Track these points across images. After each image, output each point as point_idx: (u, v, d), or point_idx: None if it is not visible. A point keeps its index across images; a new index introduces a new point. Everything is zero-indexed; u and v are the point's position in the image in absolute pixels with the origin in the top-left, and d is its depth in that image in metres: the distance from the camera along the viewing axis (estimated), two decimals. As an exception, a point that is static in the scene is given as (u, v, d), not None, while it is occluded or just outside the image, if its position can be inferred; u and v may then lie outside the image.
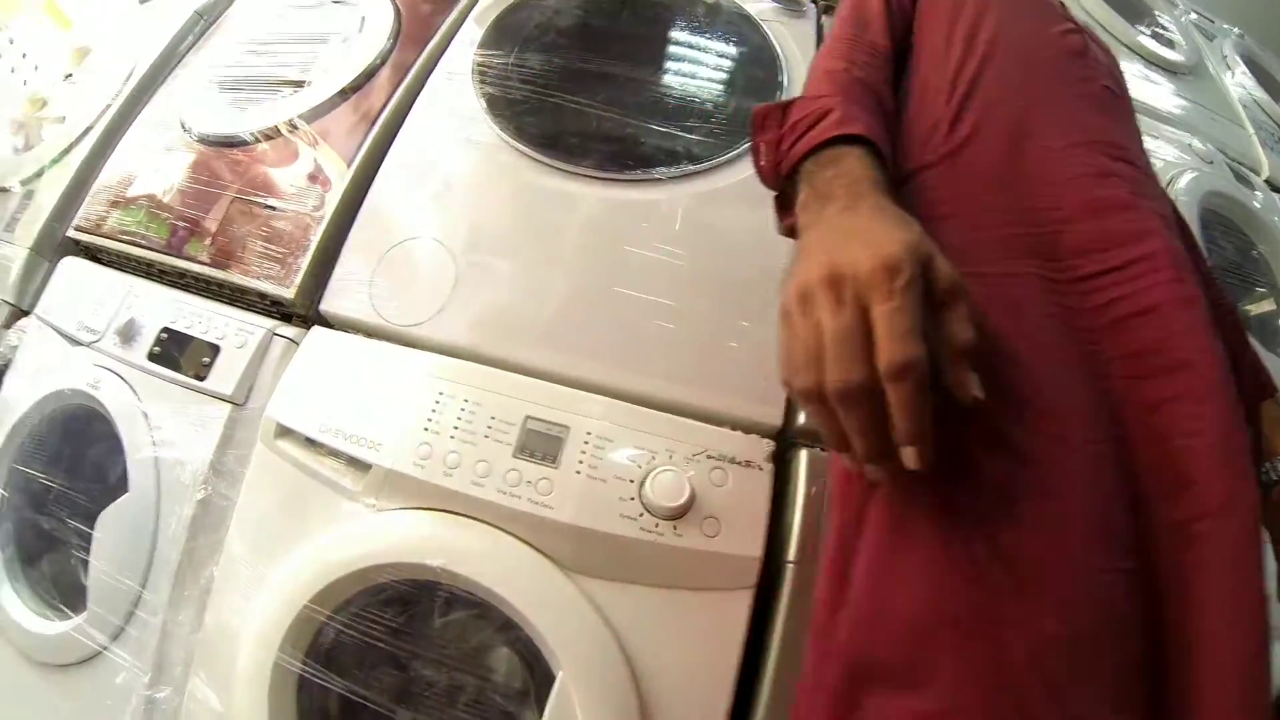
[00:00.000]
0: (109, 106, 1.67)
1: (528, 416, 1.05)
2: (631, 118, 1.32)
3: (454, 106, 1.34)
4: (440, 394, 1.08)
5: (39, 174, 1.68)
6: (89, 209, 1.54)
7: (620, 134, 1.32)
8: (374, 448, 1.06)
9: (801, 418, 1.05)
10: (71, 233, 1.54)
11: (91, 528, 1.26)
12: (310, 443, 1.12)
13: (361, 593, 1.04)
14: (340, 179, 1.29)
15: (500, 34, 1.44)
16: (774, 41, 1.46)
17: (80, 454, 1.39)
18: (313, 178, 1.31)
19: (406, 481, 1.04)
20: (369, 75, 1.41)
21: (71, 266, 1.51)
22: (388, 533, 1.04)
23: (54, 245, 1.59)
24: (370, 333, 1.19)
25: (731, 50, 1.47)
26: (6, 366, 1.51)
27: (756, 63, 1.44)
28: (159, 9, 1.87)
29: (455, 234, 1.23)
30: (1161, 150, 1.81)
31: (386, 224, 1.26)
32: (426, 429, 1.06)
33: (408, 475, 1.04)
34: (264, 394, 1.20)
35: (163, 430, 1.24)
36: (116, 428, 1.27)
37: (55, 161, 1.66)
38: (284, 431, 1.14)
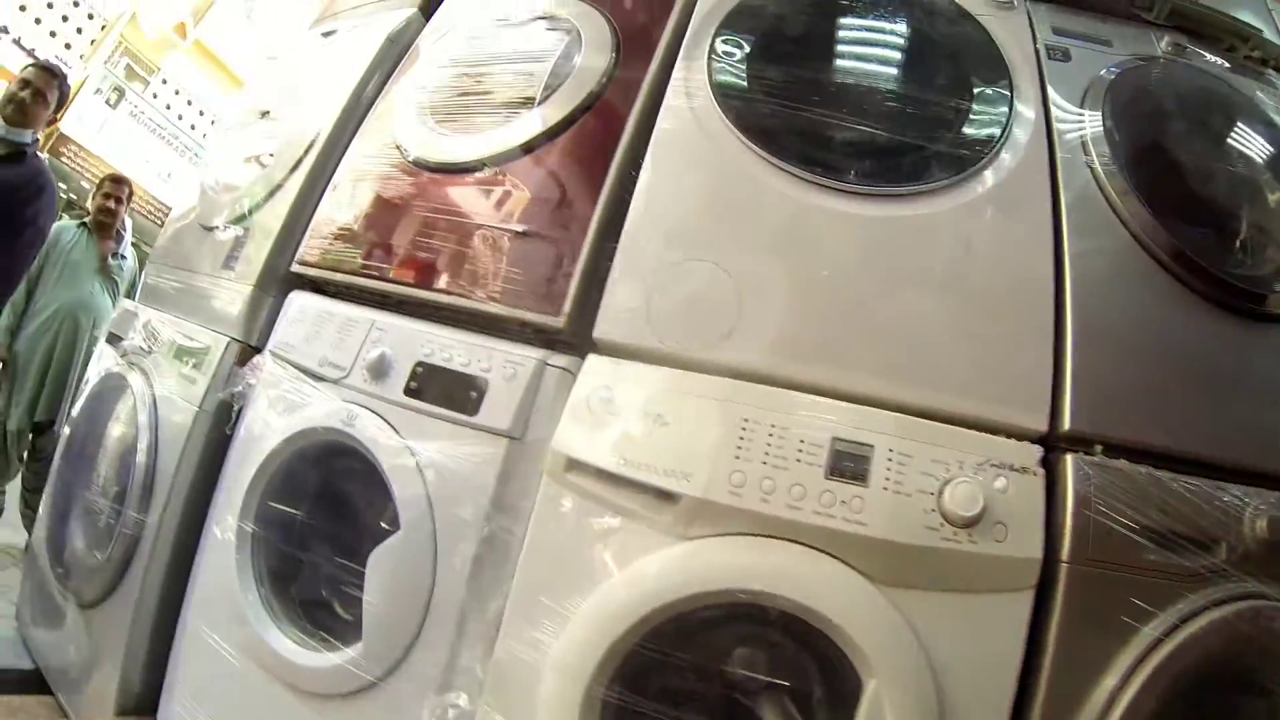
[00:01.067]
0: (314, 141, 1.64)
1: (834, 437, 1.03)
2: (879, 128, 1.26)
3: (699, 123, 1.28)
4: (745, 420, 1.05)
5: (249, 213, 1.66)
6: (312, 243, 1.52)
7: (870, 145, 1.26)
8: (684, 479, 1.03)
9: (1068, 422, 1.06)
10: (296, 267, 1.51)
11: (353, 563, 1.23)
12: (602, 474, 1.08)
13: (671, 619, 1.01)
14: (593, 202, 1.23)
15: (731, 45, 1.36)
16: (997, 41, 1.37)
17: (334, 490, 1.36)
18: (563, 202, 1.24)
19: (720, 510, 1.01)
20: (599, 93, 1.35)
21: (302, 301, 1.49)
22: (706, 561, 1.02)
23: (277, 280, 1.57)
24: (653, 359, 1.14)
25: (959, 52, 1.38)
26: (243, 405, 1.49)
27: (985, 64, 1.36)
28: (344, 41, 1.83)
29: (728, 254, 1.17)
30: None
31: (652, 247, 1.20)
32: (738, 456, 1.03)
33: (722, 504, 1.01)
34: (542, 426, 1.17)
35: (432, 466, 1.19)
36: (379, 464, 1.24)
37: (267, 199, 1.64)
38: (574, 464, 1.10)
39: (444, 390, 1.22)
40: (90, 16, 5.03)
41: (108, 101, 5.18)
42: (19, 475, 2.90)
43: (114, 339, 1.88)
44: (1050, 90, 1.34)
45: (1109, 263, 1.18)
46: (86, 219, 3.06)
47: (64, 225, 3.01)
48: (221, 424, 1.52)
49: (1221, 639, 0.98)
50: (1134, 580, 0.98)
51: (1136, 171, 1.25)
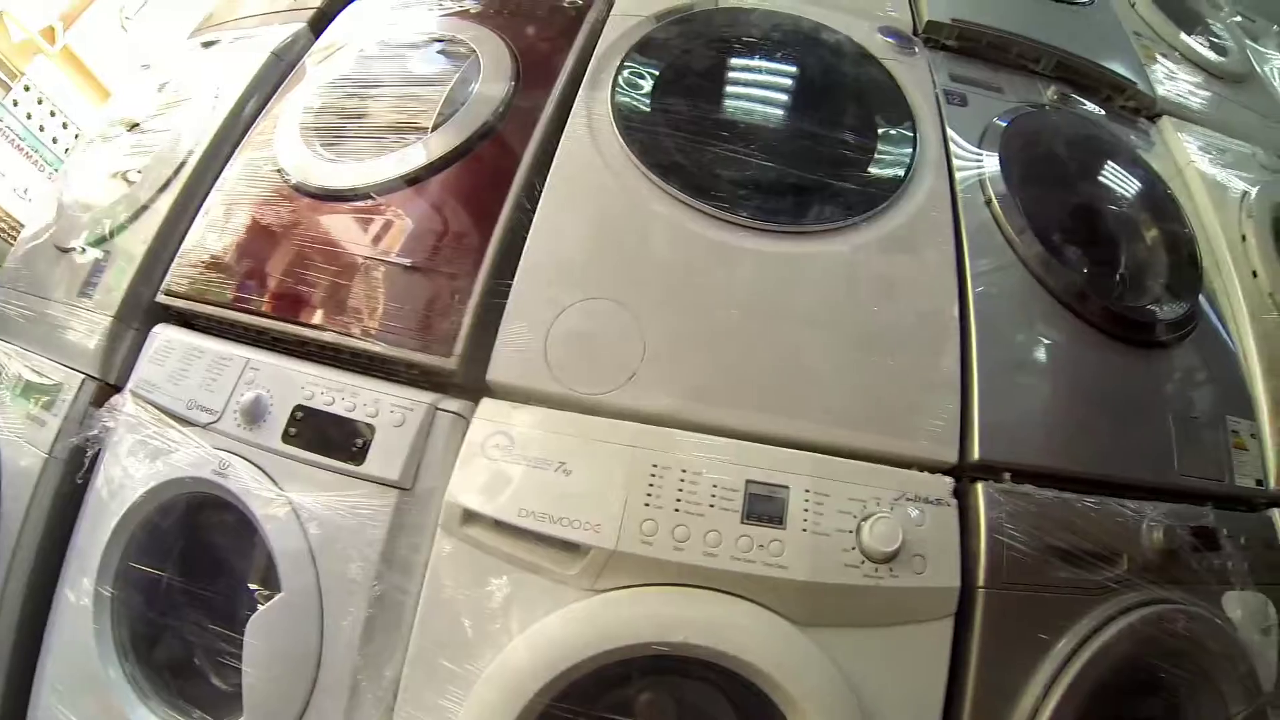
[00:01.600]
0: (187, 159, 1.48)
1: (748, 480, 1.00)
2: (786, 165, 1.25)
3: (600, 155, 1.23)
4: (654, 465, 1.01)
5: (111, 234, 1.49)
6: (180, 271, 1.37)
7: (777, 182, 1.24)
8: (592, 529, 0.97)
9: (977, 452, 1.09)
10: (162, 298, 1.36)
11: (229, 629, 1.10)
12: (502, 526, 1.01)
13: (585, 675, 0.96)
14: (487, 236, 1.15)
15: (635, 77, 1.31)
16: (900, 85, 1.39)
17: (206, 548, 1.22)
18: (454, 235, 1.16)
19: (632, 560, 0.97)
20: (497, 122, 1.27)
21: (168, 336, 1.33)
22: (619, 615, 0.97)
23: (140, 311, 1.41)
24: (552, 403, 1.08)
25: (862, 91, 1.39)
26: (99, 450, 1.32)
27: (889, 106, 1.37)
28: (225, 53, 1.69)
29: (630, 292, 1.12)
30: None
31: (550, 284, 1.14)
32: (648, 504, 0.98)
33: (634, 554, 0.96)
34: (434, 475, 1.07)
35: (315, 520, 1.08)
36: (255, 518, 1.11)
37: (132, 220, 1.47)
38: (470, 516, 1.02)
39: (326, 437, 1.11)
40: (-53, 11, 4.56)
41: (-39, 106, 4.70)
42: None
43: (-51, 374, 1.66)
44: (950, 132, 1.37)
45: (1010, 298, 1.22)
46: None
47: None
48: (74, 472, 1.34)
49: (1130, 644, 1.03)
50: (1047, 598, 1.02)
51: (1032, 210, 1.29)
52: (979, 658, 1.00)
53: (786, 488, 1.00)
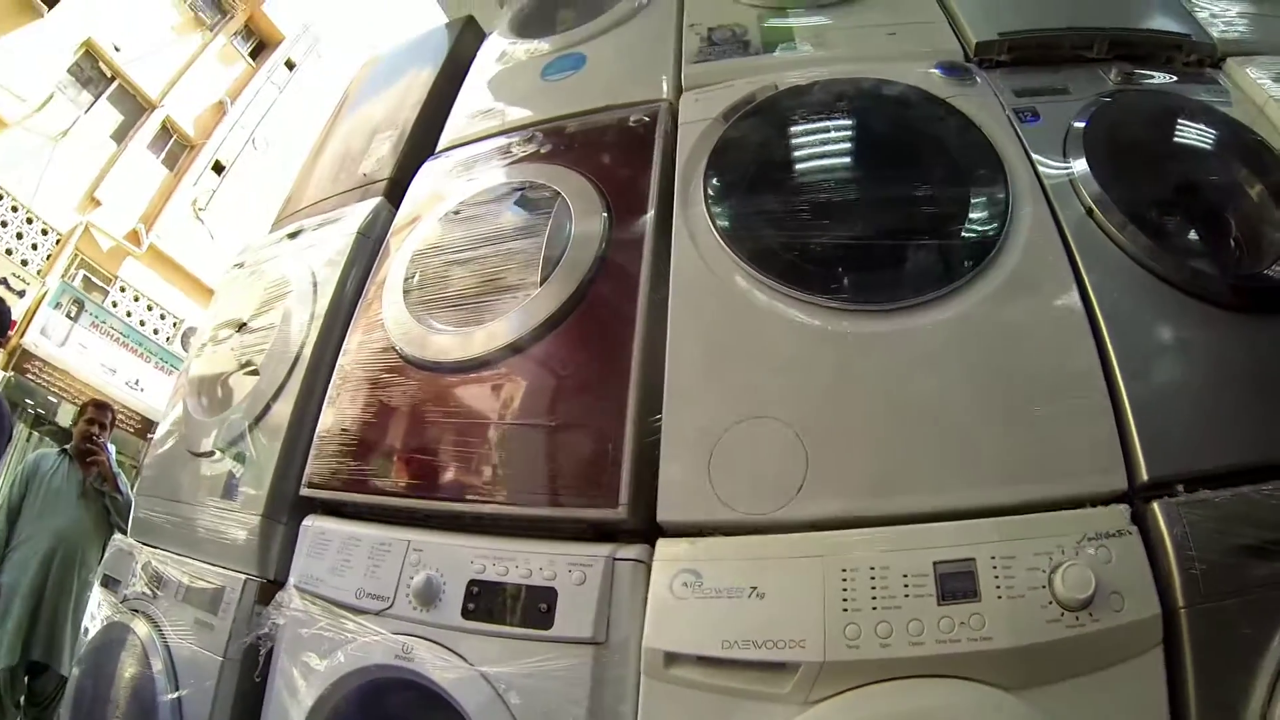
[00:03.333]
0: (300, 351, 1.47)
1: (935, 562, 0.95)
2: (889, 239, 1.20)
3: (713, 272, 1.19)
4: (844, 570, 0.96)
5: (242, 435, 1.47)
6: (318, 461, 1.34)
7: (883, 257, 1.19)
8: (798, 646, 0.92)
9: (1145, 472, 1.00)
10: (306, 490, 1.33)
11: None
12: (706, 660, 0.96)
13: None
14: (624, 377, 1.10)
15: (724, 184, 1.26)
16: (974, 120, 1.33)
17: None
18: (591, 383, 1.11)
19: (842, 667, 0.92)
20: (603, 257, 1.23)
21: (320, 527, 1.31)
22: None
23: (286, 506, 1.39)
24: (728, 530, 1.02)
25: (940, 138, 1.33)
26: (273, 647, 1.26)
27: (969, 147, 1.30)
28: (313, 240, 1.69)
29: (779, 404, 1.07)
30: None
31: (699, 413, 1.09)
32: (845, 609, 0.93)
33: (844, 661, 0.92)
34: (625, 624, 1.02)
35: (514, 689, 1.01)
36: (451, 698, 1.05)
37: (259, 418, 1.45)
38: (673, 658, 0.97)
39: (507, 607, 1.06)
40: (44, 232, 4.82)
41: (68, 314, 4.93)
42: (18, 723, 2.56)
43: (110, 582, 1.64)
44: (1033, 154, 1.30)
45: (1134, 302, 1.13)
46: (68, 446, 2.82)
47: (44, 453, 2.82)
48: (250, 670, 1.29)
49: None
50: (1250, 600, 0.93)
51: (1132, 205, 1.21)
52: (1195, 678, 0.91)
53: (972, 559, 0.94)
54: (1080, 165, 1.27)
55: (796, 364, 1.09)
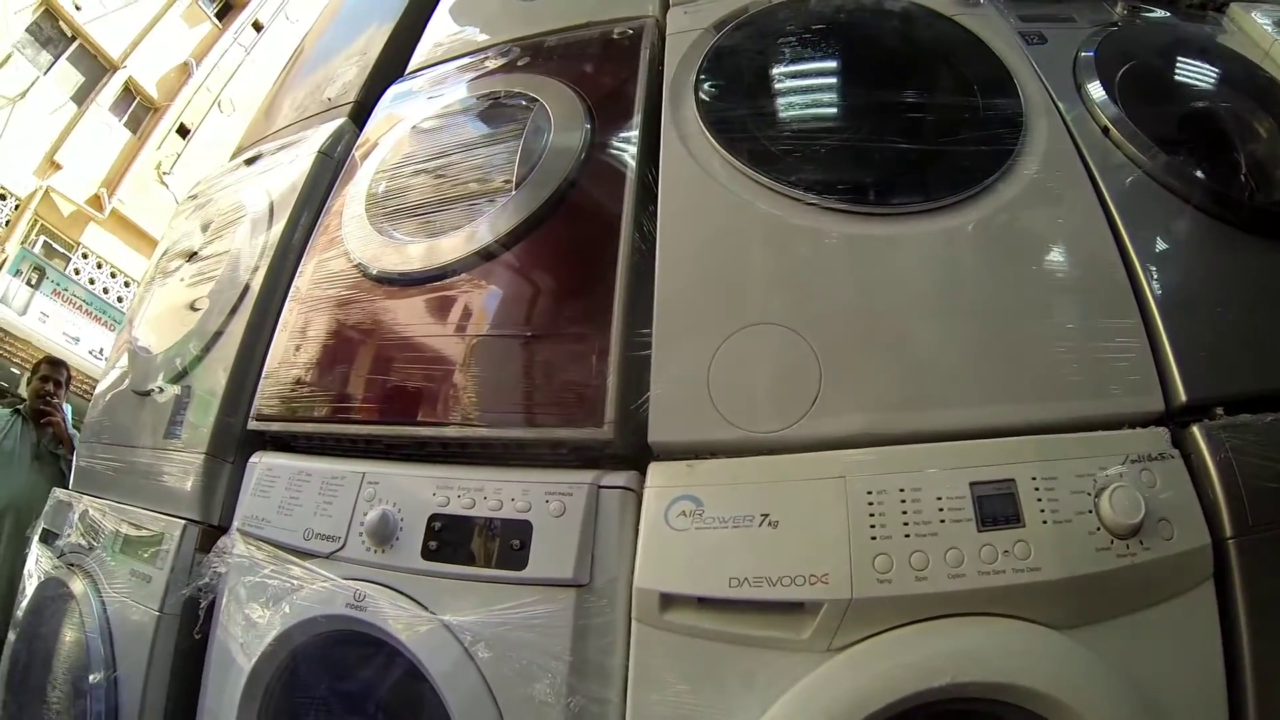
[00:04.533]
0: (252, 278, 1.29)
1: (972, 483, 0.82)
2: (900, 142, 1.07)
3: (707, 171, 1.04)
4: (870, 492, 0.82)
5: (187, 368, 1.30)
6: (269, 391, 1.18)
7: (894, 161, 1.06)
8: (820, 582, 0.79)
9: (1183, 394, 0.90)
10: (254, 424, 1.16)
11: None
12: (709, 603, 0.81)
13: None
14: (609, 284, 0.95)
15: (718, 88, 1.13)
16: (981, 36, 1.22)
17: (355, 692, 0.98)
18: (574, 290, 0.95)
19: (873, 605, 0.79)
20: (585, 163, 1.08)
21: (269, 463, 1.14)
22: (872, 671, 0.78)
23: (233, 443, 1.22)
24: (733, 450, 0.88)
25: (947, 52, 1.22)
26: (214, 599, 1.10)
27: (977, 59, 1.19)
28: (271, 164, 1.51)
29: (785, 310, 0.93)
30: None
31: (695, 319, 0.94)
32: (874, 537, 0.80)
33: (875, 598, 0.78)
34: (612, 563, 0.86)
35: (482, 641, 0.86)
36: (409, 651, 0.89)
37: (206, 350, 1.28)
38: (669, 601, 0.82)
39: (475, 545, 0.90)
40: (2, 197, 4.53)
41: (29, 282, 4.64)
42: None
43: (49, 536, 1.46)
44: (1042, 75, 1.20)
45: (1157, 221, 1.05)
46: (21, 406, 2.60)
47: (-5, 412, 2.60)
48: (190, 626, 1.13)
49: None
50: None
51: (1150, 127, 1.13)
52: (1248, 613, 0.82)
53: (1012, 480, 0.83)
54: (1095, 86, 1.18)
55: (806, 268, 0.96)
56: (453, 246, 1.07)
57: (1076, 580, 0.79)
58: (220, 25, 8.82)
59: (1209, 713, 0.79)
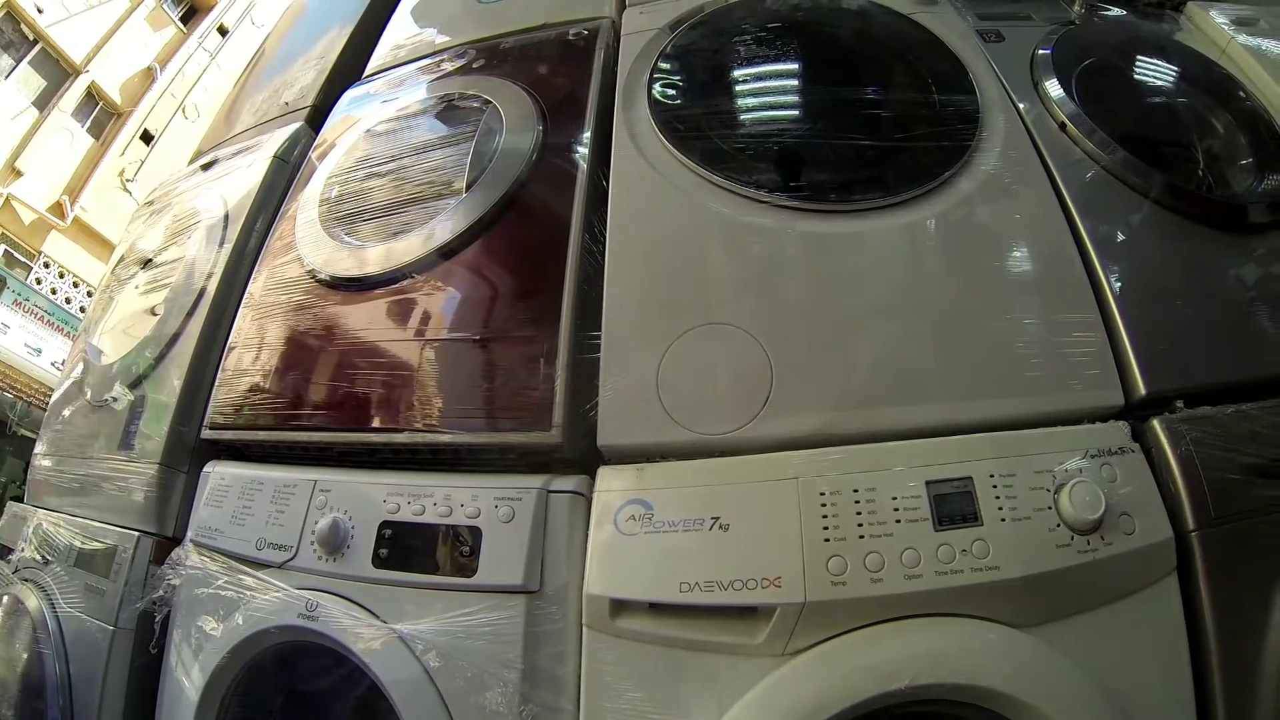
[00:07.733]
0: (207, 283, 1.27)
1: (928, 482, 0.81)
2: (855, 138, 1.05)
3: (658, 171, 1.02)
4: (823, 493, 0.80)
5: (143, 375, 1.27)
6: (222, 400, 1.15)
7: (849, 159, 1.05)
8: (772, 586, 0.77)
9: (1142, 387, 0.90)
10: (207, 433, 1.14)
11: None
12: (660, 609, 0.79)
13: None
14: (557, 286, 0.93)
15: (671, 87, 1.11)
16: (938, 33, 1.22)
17: (310, 704, 0.97)
18: (522, 293, 0.94)
19: (827, 608, 0.77)
20: (536, 164, 1.06)
21: (221, 473, 1.10)
22: (829, 675, 0.77)
23: (186, 452, 1.18)
24: (682, 452, 0.85)
25: (902, 49, 1.20)
26: (169, 612, 1.08)
27: (934, 56, 1.19)
28: (227, 168, 1.49)
29: (734, 310, 0.90)
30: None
31: (644, 320, 0.91)
32: (828, 539, 0.78)
33: (830, 601, 0.76)
34: (563, 569, 0.84)
35: (433, 650, 0.84)
36: (362, 661, 0.87)
37: (160, 357, 1.26)
38: (620, 607, 0.80)
39: (424, 552, 0.87)
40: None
41: (-12, 292, 4.54)
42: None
43: (2, 551, 1.42)
44: (1000, 72, 1.19)
45: (1115, 216, 1.04)
46: None
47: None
48: (146, 641, 1.09)
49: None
50: (1262, 522, 0.85)
51: (1107, 123, 1.13)
52: (1212, 606, 0.82)
53: (969, 478, 0.81)
54: (1052, 83, 1.18)
55: (756, 267, 0.94)
56: (403, 250, 1.03)
57: (1036, 578, 0.78)
58: (185, 30, 8.51)
59: (1176, 706, 0.79)
